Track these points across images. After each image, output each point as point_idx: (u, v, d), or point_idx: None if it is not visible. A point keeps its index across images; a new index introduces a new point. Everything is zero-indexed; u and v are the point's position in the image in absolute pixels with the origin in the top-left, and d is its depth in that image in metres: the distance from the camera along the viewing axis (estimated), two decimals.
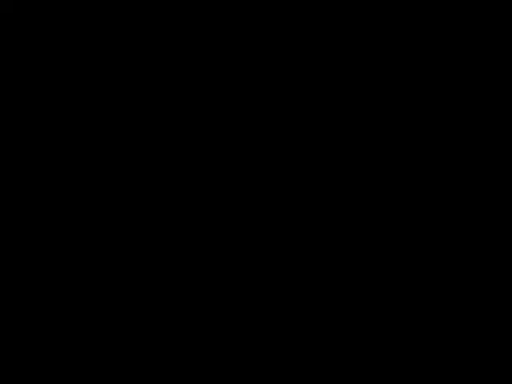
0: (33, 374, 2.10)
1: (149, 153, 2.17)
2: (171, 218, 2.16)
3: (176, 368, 2.10)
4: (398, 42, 2.18)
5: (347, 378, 2.09)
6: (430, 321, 2.11)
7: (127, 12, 2.19)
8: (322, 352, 2.10)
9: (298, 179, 2.16)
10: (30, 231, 2.15)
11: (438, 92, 2.17)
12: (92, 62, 2.19)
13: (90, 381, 2.10)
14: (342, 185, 2.16)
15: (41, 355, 2.11)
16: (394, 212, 2.15)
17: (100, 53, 2.19)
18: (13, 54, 2.18)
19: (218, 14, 2.20)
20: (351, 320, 2.12)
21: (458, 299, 2.11)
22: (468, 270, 2.12)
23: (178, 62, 2.19)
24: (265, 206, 2.16)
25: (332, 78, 2.18)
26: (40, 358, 2.11)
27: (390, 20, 2.18)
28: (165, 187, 2.17)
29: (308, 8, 2.19)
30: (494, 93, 2.16)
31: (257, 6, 2.19)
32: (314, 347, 2.10)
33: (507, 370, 2.08)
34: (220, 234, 2.15)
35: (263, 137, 2.18)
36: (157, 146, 2.18)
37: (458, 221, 2.14)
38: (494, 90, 2.16)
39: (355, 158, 2.16)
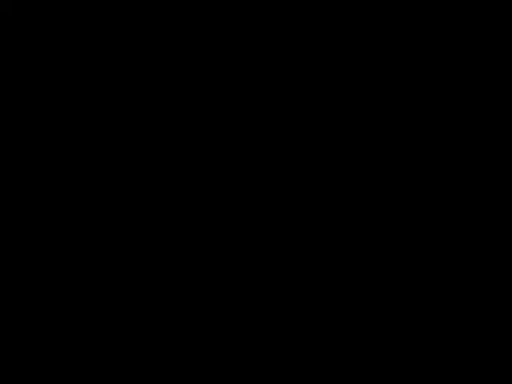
0: (33, 374, 2.11)
1: (148, 153, 2.17)
2: (171, 218, 2.16)
3: (175, 368, 2.10)
4: (397, 43, 2.18)
5: (347, 378, 2.09)
6: (429, 321, 2.11)
7: (127, 12, 2.19)
8: (322, 352, 2.10)
9: (298, 179, 2.16)
10: (29, 231, 2.15)
11: (438, 92, 2.17)
12: (92, 61, 2.19)
13: (90, 381, 2.10)
14: (341, 185, 2.16)
15: (41, 355, 2.11)
16: (394, 212, 2.15)
17: (100, 53, 2.19)
18: (13, 53, 2.18)
19: (217, 14, 2.20)
20: (351, 320, 2.12)
21: (458, 299, 2.12)
22: (468, 270, 2.12)
23: (177, 61, 2.19)
24: (264, 206, 2.16)
25: (332, 78, 2.18)
26: (40, 358, 2.11)
27: (389, 20, 2.18)
28: (164, 187, 2.17)
29: (308, 8, 2.19)
30: (493, 93, 2.16)
31: (257, 6, 2.19)
32: (313, 347, 2.11)
33: (507, 370, 2.08)
34: (220, 233, 2.15)
35: (263, 137, 2.18)
36: (156, 146, 2.18)
37: (458, 221, 2.14)
38: (493, 91, 2.16)
39: (355, 158, 2.16)
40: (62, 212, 2.15)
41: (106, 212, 2.16)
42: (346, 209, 2.15)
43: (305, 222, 2.15)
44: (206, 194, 2.16)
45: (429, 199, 2.14)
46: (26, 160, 2.16)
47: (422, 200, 2.14)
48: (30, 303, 2.13)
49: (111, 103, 2.18)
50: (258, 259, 2.14)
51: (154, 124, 2.18)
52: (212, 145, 2.18)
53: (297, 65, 2.18)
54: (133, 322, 2.12)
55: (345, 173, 2.16)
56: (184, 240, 2.15)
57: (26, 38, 2.18)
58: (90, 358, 2.11)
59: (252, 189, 2.16)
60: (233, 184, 2.16)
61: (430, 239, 2.13)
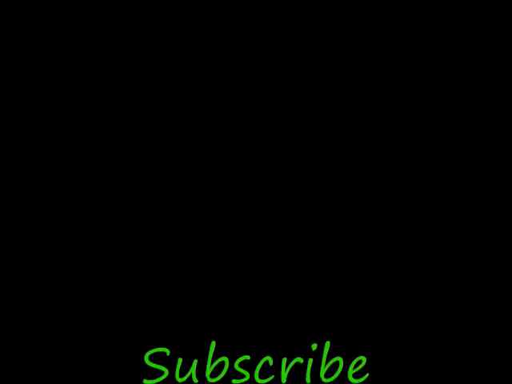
0: (33, 374, 2.11)
1: (148, 153, 2.18)
2: (171, 218, 2.16)
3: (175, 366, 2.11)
4: (397, 43, 2.18)
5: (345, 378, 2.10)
6: (429, 321, 2.11)
7: (127, 12, 2.19)
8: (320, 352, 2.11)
9: (298, 180, 2.17)
10: (29, 232, 2.15)
11: (438, 93, 2.17)
12: (92, 61, 2.19)
13: (89, 381, 2.11)
14: (340, 185, 2.16)
15: (41, 355, 2.12)
16: (394, 213, 2.15)
17: (100, 53, 2.19)
18: (13, 53, 2.18)
19: (217, 15, 2.20)
20: (349, 321, 2.12)
21: (458, 299, 2.12)
22: (468, 271, 2.13)
23: (177, 62, 2.19)
24: (264, 206, 2.16)
25: (332, 78, 2.18)
26: (40, 358, 2.11)
27: (389, 20, 2.18)
28: (164, 188, 2.17)
29: (308, 8, 2.19)
30: (494, 94, 2.17)
31: (257, 6, 2.19)
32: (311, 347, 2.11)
33: (507, 370, 2.08)
34: (219, 234, 2.16)
35: (263, 138, 2.18)
36: (156, 147, 2.18)
37: (458, 222, 2.14)
38: (494, 91, 2.17)
39: (355, 159, 2.17)
40: (62, 212, 2.16)
41: (105, 212, 2.16)
42: (344, 209, 2.15)
43: (304, 222, 2.15)
44: (205, 194, 2.17)
45: (428, 200, 2.15)
46: (26, 160, 2.17)
47: (422, 201, 2.15)
48: (29, 303, 2.13)
49: (111, 103, 2.18)
50: (257, 259, 2.14)
51: (153, 124, 2.18)
52: (211, 145, 2.18)
53: (296, 65, 2.19)
54: (132, 322, 2.13)
55: (344, 173, 2.16)
56: (183, 240, 2.15)
57: (25, 38, 2.18)
58: (89, 358, 2.11)
59: (251, 189, 2.16)
60: (232, 184, 2.17)
61: (430, 239, 2.14)
